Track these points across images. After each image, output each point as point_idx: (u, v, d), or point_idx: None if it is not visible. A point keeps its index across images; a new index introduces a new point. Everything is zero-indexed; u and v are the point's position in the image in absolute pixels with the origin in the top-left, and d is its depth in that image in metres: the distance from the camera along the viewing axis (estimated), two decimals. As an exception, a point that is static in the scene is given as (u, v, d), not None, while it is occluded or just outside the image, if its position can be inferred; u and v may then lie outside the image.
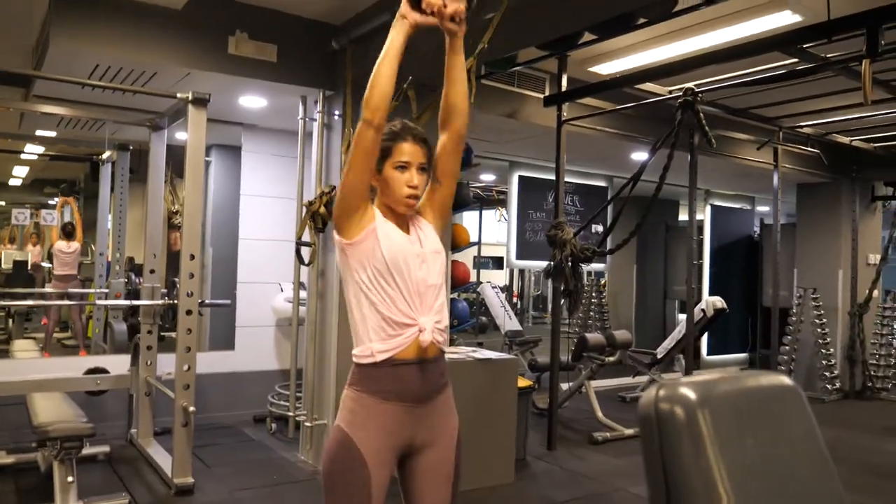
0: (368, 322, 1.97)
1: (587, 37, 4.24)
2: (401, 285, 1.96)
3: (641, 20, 3.87)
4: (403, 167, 2.01)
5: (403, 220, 2.08)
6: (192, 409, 4.05)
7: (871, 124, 6.65)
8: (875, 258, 8.18)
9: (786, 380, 1.14)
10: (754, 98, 5.88)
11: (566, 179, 5.52)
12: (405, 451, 2.02)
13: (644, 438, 1.00)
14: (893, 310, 7.92)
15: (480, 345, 9.38)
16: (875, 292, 7.96)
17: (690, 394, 0.99)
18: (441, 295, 2.05)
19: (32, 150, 7.82)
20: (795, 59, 4.59)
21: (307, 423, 4.76)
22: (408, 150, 2.03)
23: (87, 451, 4.29)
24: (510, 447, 4.53)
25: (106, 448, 4.68)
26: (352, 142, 1.97)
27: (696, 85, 4.81)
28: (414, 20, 1.94)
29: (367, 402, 1.95)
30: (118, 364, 4.95)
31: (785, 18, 4.09)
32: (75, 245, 7.65)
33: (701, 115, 4.53)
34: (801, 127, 6.85)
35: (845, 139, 7.12)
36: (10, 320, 8.15)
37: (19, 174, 9.73)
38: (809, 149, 7.16)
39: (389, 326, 1.94)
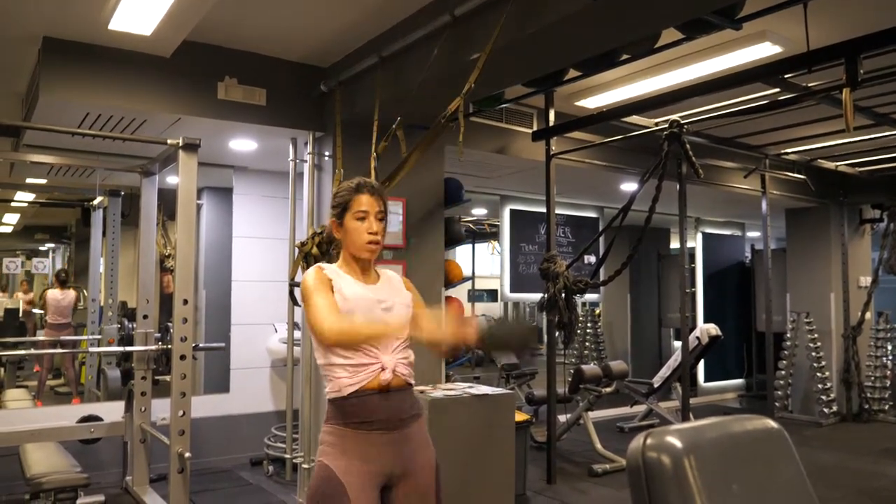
0: (335, 366, 2.14)
1: (572, 73, 4.30)
2: None
3: (624, 56, 3.93)
4: (362, 217, 2.21)
5: (370, 272, 2.30)
6: (187, 455, 4.00)
7: (855, 149, 6.74)
8: (866, 280, 8.22)
9: (771, 423, 1.15)
10: (739, 127, 5.96)
11: (557, 211, 5.55)
12: (384, 480, 2.14)
13: (632, 488, 1.00)
14: (886, 331, 7.94)
15: (477, 378, 9.35)
16: (867, 314, 7.98)
17: (677, 442, 1.00)
18: (404, 336, 2.23)
19: (23, 198, 7.82)
20: (778, 89, 4.66)
21: (304, 465, 4.72)
22: (365, 201, 2.23)
23: (82, 500, 4.21)
24: (509, 482, 4.49)
25: (101, 497, 4.58)
26: (312, 321, 2.11)
27: (681, 116, 4.88)
28: None
29: (341, 432, 2.11)
30: (112, 411, 4.90)
31: (765, 50, 4.17)
32: (70, 294, 7.59)
33: (687, 145, 4.59)
34: (787, 154, 6.93)
35: (831, 164, 7.20)
36: (3, 369, 8.07)
37: (9, 221, 9.71)
38: (796, 175, 7.23)
39: (353, 366, 2.12)
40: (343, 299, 2.13)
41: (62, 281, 7.61)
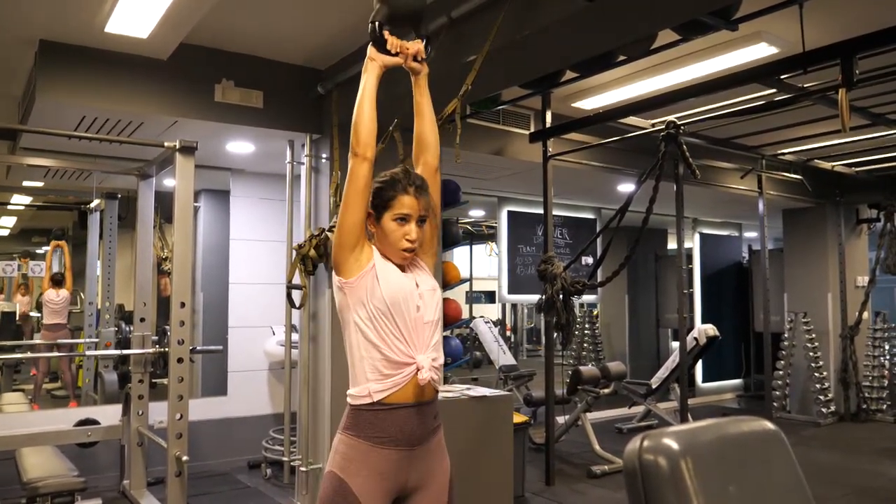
0: (366, 361, 1.99)
1: (569, 74, 4.30)
2: (399, 324, 1.98)
3: (621, 58, 3.93)
4: (403, 219, 2.03)
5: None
6: (185, 458, 3.99)
7: (851, 149, 6.75)
8: (863, 280, 8.23)
9: (768, 424, 1.15)
10: (736, 128, 5.97)
11: (554, 213, 5.55)
12: (399, 493, 2.04)
13: (629, 490, 1.00)
14: (884, 331, 7.95)
15: (475, 380, 9.35)
16: (865, 314, 7.99)
17: (673, 444, 1.00)
18: (438, 331, 2.08)
19: (19, 201, 7.81)
20: (774, 90, 4.67)
21: (302, 468, 4.71)
22: (408, 203, 2.03)
23: (79, 504, 4.22)
24: (508, 484, 4.48)
25: (98, 501, 4.58)
26: (346, 178, 2.02)
27: (678, 117, 4.89)
28: (382, 62, 2.13)
29: (362, 447, 1.96)
30: (109, 414, 4.89)
31: (761, 51, 4.17)
32: (64, 293, 7.60)
33: (684, 146, 4.59)
34: (784, 154, 6.94)
35: (827, 164, 7.21)
36: (-1, 373, 8.06)
37: (6, 224, 9.71)
38: (792, 175, 7.24)
39: (387, 366, 1.97)
40: (386, 282, 1.98)
41: (57, 282, 7.61)
